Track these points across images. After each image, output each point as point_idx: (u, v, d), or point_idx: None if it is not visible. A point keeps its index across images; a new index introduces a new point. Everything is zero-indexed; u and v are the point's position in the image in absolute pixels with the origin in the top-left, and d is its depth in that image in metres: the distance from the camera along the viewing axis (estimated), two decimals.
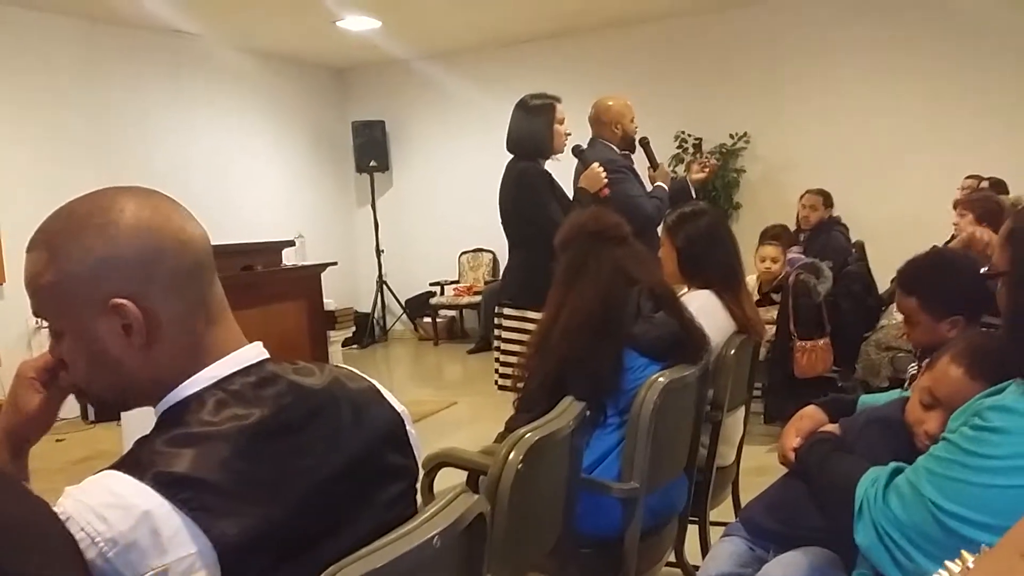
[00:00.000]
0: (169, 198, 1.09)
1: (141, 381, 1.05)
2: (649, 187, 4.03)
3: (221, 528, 0.91)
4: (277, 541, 0.96)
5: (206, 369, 1.05)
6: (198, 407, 1.01)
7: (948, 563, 0.87)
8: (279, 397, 1.05)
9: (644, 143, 4.17)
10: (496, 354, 3.79)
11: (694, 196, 4.19)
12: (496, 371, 3.75)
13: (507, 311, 3.68)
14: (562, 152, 3.80)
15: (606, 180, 3.67)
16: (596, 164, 3.70)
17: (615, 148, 4.01)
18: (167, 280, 1.03)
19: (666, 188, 4.04)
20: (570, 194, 3.76)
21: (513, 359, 3.13)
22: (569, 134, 3.79)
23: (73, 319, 1.03)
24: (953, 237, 4.63)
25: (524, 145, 3.71)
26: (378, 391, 1.19)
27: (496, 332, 3.79)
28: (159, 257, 1.03)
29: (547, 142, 3.70)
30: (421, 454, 1.24)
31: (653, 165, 4.18)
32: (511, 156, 3.77)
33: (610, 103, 4.06)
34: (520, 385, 2.46)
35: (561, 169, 3.79)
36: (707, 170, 4.39)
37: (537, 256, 3.15)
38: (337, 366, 1.20)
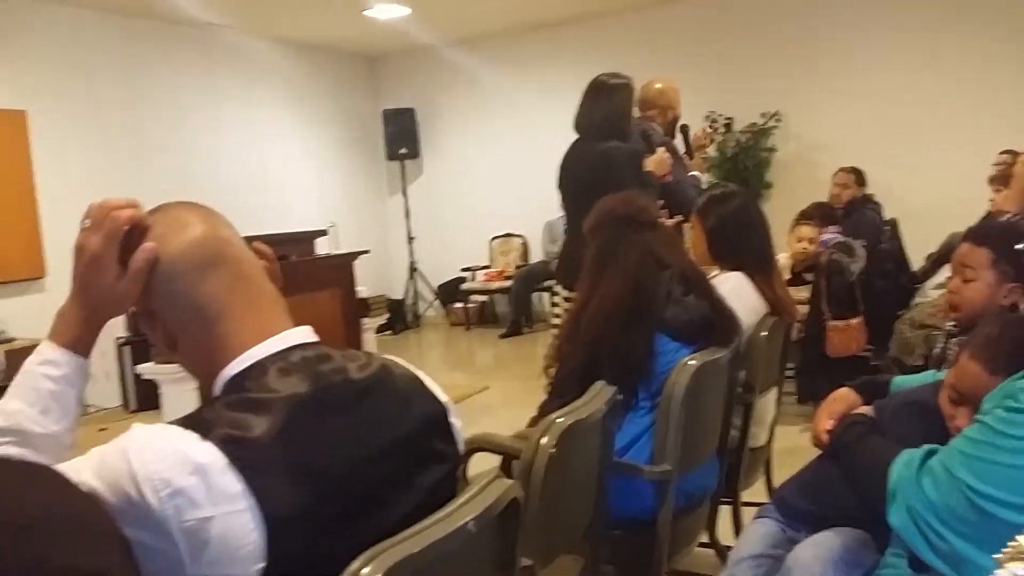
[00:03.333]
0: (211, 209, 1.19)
1: (211, 355, 1.11)
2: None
3: (269, 491, 0.95)
4: (322, 513, 0.99)
5: (267, 341, 1.10)
6: (259, 374, 1.06)
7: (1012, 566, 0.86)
8: (334, 374, 1.10)
9: (684, 130, 4.13)
10: (553, 331, 3.80)
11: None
12: None
13: (560, 291, 3.66)
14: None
15: (671, 167, 3.55)
16: (662, 149, 3.60)
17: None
18: (235, 265, 1.14)
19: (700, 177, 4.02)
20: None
21: None
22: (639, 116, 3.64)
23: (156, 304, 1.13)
24: (988, 214, 4.56)
25: (601, 125, 3.50)
26: (422, 381, 1.23)
27: (552, 311, 3.82)
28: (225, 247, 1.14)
29: (626, 121, 3.52)
30: (463, 445, 1.27)
31: (690, 153, 4.15)
32: (578, 136, 3.58)
33: (659, 86, 3.96)
34: (553, 370, 2.47)
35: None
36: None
37: None
38: (385, 356, 1.24)
